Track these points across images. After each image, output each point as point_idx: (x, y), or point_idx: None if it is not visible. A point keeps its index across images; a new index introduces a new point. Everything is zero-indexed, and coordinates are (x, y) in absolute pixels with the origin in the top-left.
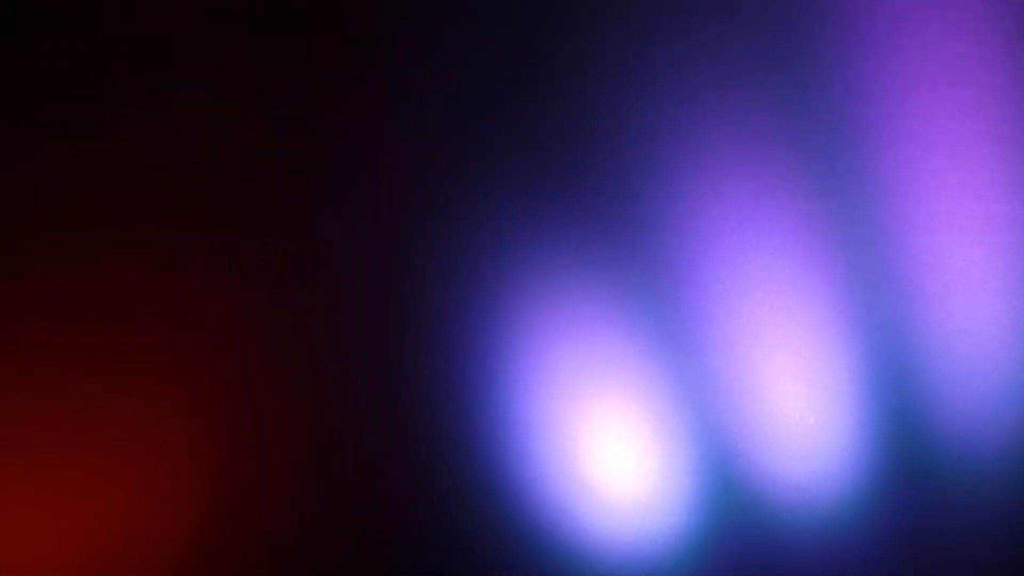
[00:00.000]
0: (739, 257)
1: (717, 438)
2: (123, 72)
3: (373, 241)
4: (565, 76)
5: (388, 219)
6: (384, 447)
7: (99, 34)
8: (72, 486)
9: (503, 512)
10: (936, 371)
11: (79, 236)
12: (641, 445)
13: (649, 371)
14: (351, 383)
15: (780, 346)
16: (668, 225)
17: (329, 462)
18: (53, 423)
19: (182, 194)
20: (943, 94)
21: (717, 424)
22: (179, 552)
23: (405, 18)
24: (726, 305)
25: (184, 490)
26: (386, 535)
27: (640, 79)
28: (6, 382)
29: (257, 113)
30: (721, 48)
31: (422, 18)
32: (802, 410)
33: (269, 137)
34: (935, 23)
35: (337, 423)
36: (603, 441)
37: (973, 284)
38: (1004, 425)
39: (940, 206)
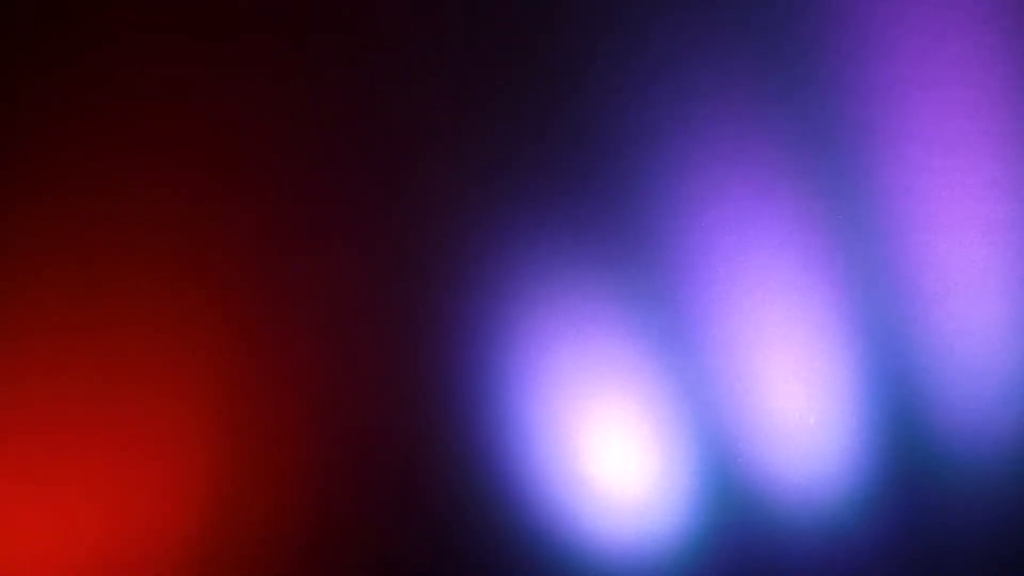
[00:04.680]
0: (739, 257)
1: (717, 438)
2: (128, 74)
3: (373, 241)
4: (565, 76)
5: (388, 218)
6: (386, 447)
7: (107, 36)
8: (73, 486)
9: (503, 512)
10: (936, 371)
11: (80, 236)
12: (641, 445)
13: (649, 371)
14: (353, 384)
15: (780, 346)
16: (668, 225)
17: (330, 462)
18: (54, 423)
19: (182, 196)
20: (943, 94)
21: (717, 424)
22: (181, 552)
23: (407, 18)
24: (726, 305)
25: (185, 490)
26: (387, 535)
27: (640, 79)
28: (7, 383)
29: (260, 116)
30: (722, 48)
31: (424, 18)
32: (802, 410)
33: (271, 140)
34: (935, 23)
35: (339, 423)
36: (603, 441)
37: (973, 284)
38: (1004, 425)
39: (940, 206)
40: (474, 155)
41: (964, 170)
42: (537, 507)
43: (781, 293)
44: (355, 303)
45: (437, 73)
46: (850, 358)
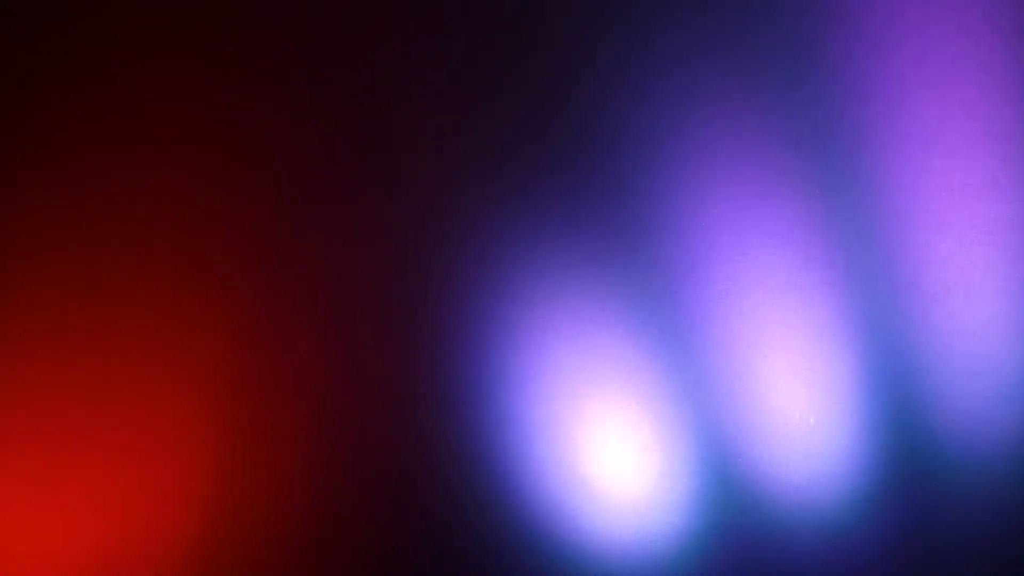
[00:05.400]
0: (739, 257)
1: (717, 438)
2: (129, 74)
3: (373, 240)
4: (565, 75)
5: (387, 218)
6: (386, 447)
7: (103, 35)
8: (73, 486)
9: (503, 512)
10: (936, 371)
11: (80, 236)
12: (641, 445)
13: (649, 371)
14: (352, 384)
15: (780, 346)
16: (668, 225)
17: (330, 462)
18: (54, 423)
19: (181, 196)
20: (943, 94)
21: (717, 424)
22: (181, 552)
23: (406, 17)
24: (726, 305)
25: (185, 490)
26: (387, 535)
27: (640, 78)
28: (7, 383)
29: (260, 116)
30: (721, 47)
31: (424, 17)
32: (802, 410)
33: (271, 140)
34: (935, 23)
35: (338, 423)
36: (603, 441)
37: (973, 284)
38: (1004, 425)
39: (940, 206)
40: (474, 155)
41: (964, 170)
42: (537, 507)
43: (781, 293)
44: (355, 303)
45: (437, 73)
46: (850, 358)
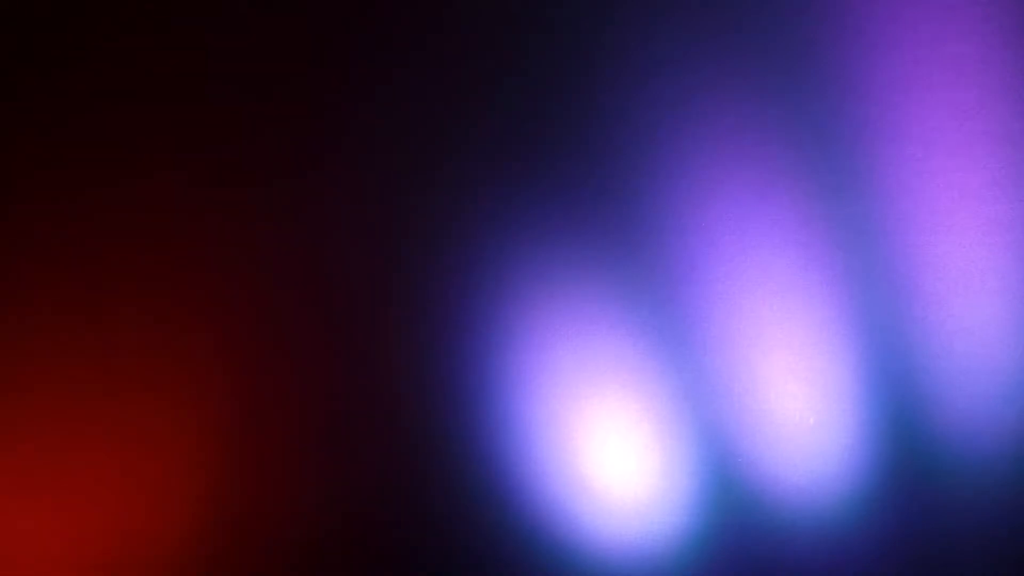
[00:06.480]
0: (739, 257)
1: (717, 438)
2: (123, 70)
3: (372, 239)
4: (565, 74)
5: (386, 216)
6: (384, 448)
7: (97, 32)
8: (73, 486)
9: (503, 512)
10: (936, 371)
11: (79, 234)
12: (641, 445)
13: (649, 371)
14: (351, 383)
15: (780, 346)
16: (668, 225)
17: (328, 462)
18: (54, 423)
19: (179, 192)
20: (943, 94)
21: (717, 424)
22: (179, 553)
23: (405, 13)
24: (726, 305)
25: (186, 490)
26: (386, 535)
27: (640, 77)
28: (7, 383)
29: (257, 108)
30: (721, 47)
31: (423, 13)
32: (802, 410)
33: (269, 134)
34: (935, 23)
35: (337, 423)
36: (603, 441)
37: (973, 284)
38: (1004, 425)
39: (940, 206)
40: (473, 155)
41: (964, 170)
42: (537, 507)
43: (781, 293)
44: (356, 303)
45: (436, 72)
46: (850, 358)
